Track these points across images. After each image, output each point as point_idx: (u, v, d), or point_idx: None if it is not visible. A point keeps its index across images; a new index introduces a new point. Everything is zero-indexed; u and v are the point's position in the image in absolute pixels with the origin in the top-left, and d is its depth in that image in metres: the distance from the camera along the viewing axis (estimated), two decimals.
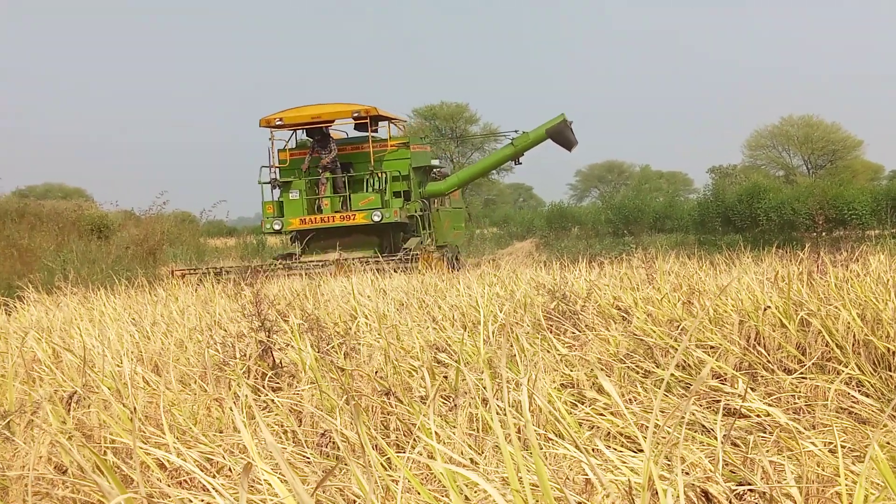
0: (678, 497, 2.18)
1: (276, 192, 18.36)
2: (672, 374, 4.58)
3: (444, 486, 2.73)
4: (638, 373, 4.78)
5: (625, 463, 2.89)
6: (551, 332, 5.67)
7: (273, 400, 4.29)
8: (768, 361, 4.75)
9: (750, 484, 2.74)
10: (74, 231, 23.79)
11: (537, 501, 2.26)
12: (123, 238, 23.77)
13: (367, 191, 18.04)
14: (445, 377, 4.71)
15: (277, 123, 17.98)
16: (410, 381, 4.66)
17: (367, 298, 8.19)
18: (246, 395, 3.97)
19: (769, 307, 5.14)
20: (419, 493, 2.60)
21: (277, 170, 18.36)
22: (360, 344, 5.65)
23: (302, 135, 18.94)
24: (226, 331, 6.38)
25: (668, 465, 2.80)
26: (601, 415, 3.93)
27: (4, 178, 38.32)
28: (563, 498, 2.44)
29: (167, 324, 7.32)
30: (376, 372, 4.82)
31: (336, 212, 17.80)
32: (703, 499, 2.61)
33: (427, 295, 8.38)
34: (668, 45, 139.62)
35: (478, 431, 3.61)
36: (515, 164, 20.36)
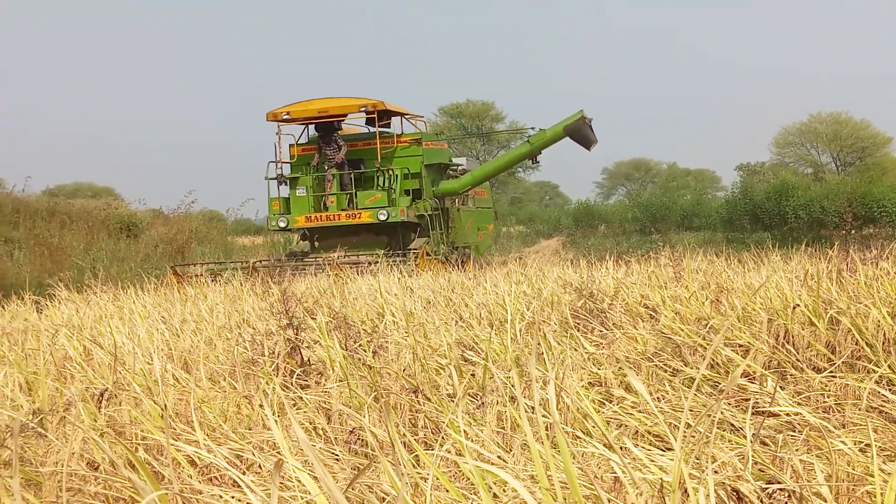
0: (709, 495, 2.18)
1: (285, 188, 17.83)
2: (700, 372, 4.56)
3: (472, 484, 2.74)
4: (666, 371, 4.77)
5: (653, 461, 2.89)
6: (578, 331, 5.66)
7: (301, 397, 4.31)
8: (797, 360, 4.72)
9: (780, 482, 2.73)
10: (104, 229, 23.99)
11: (566, 499, 2.26)
12: (152, 236, 23.95)
13: (376, 188, 17.47)
14: (473, 375, 4.71)
15: (284, 117, 17.50)
16: (438, 379, 4.67)
17: (394, 297, 8.21)
18: (276, 393, 3.99)
19: (798, 305, 5.10)
20: (447, 491, 2.61)
21: (284, 165, 17.88)
22: (387, 342, 5.67)
23: (315, 130, 18.33)
24: (254, 329, 6.41)
25: (697, 463, 2.79)
26: (629, 413, 3.92)
27: (35, 178, 38.50)
28: (593, 496, 2.44)
29: (196, 322, 7.37)
30: (404, 370, 4.84)
31: (342, 210, 17.30)
32: (734, 497, 2.60)
33: (454, 293, 8.39)
34: (698, 41, 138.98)
35: (506, 429, 3.61)
36: (532, 163, 19.58)
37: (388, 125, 18.12)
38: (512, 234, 40.24)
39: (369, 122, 17.76)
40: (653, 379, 4.59)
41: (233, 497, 2.40)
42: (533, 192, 69.62)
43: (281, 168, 17.74)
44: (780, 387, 4.16)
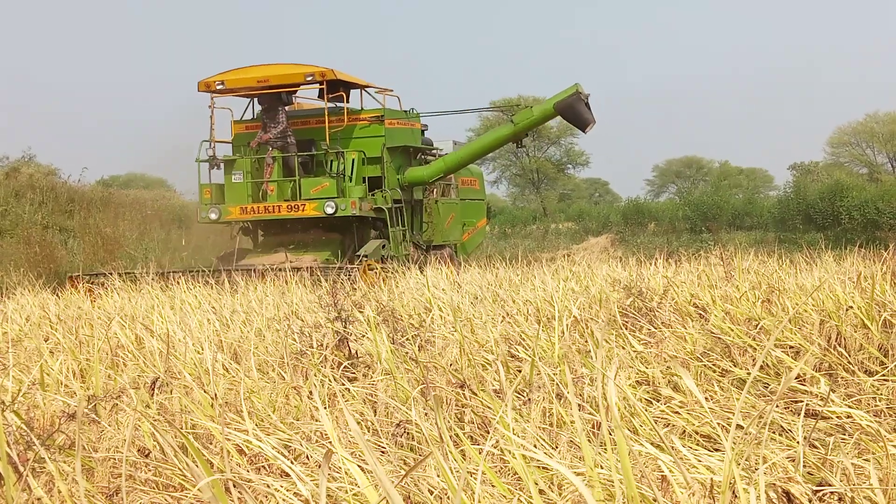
0: (760, 496, 2.16)
1: (220, 173, 14.97)
2: (749, 373, 4.52)
3: (519, 480, 2.74)
4: (715, 371, 4.73)
5: (700, 461, 2.87)
6: (626, 329, 5.64)
7: (349, 389, 4.34)
8: (848, 363, 4.66)
9: (830, 485, 2.70)
10: (156, 220, 24.28)
11: (623, 495, 2.25)
12: (203, 228, 24.17)
13: (329, 175, 14.50)
14: (519, 371, 4.71)
15: (218, 87, 14.65)
16: (484, 375, 4.68)
17: (441, 291, 8.23)
18: (325, 384, 4.02)
19: (851, 307, 5.04)
20: (494, 486, 2.61)
21: (219, 146, 15.02)
22: (434, 336, 5.69)
23: (259, 103, 15.21)
24: (303, 321, 6.46)
25: (747, 464, 2.77)
26: (676, 413, 3.90)
27: (91, 168, 38.96)
28: (641, 495, 2.43)
29: (246, 313, 7.45)
30: (450, 364, 4.85)
31: (285, 200, 14.35)
32: (785, 499, 2.58)
33: (501, 289, 8.39)
34: (756, 39, 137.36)
35: (552, 426, 3.61)
36: (518, 147, 16.79)
37: (341, 98, 15.00)
38: (560, 231, 40.11)
39: (320, 94, 14.86)
40: (701, 379, 4.56)
41: (281, 486, 2.43)
42: (582, 188, 69.26)
43: (213, 148, 14.83)
44: (832, 389, 4.11)
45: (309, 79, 14.37)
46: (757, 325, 5.30)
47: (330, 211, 14.01)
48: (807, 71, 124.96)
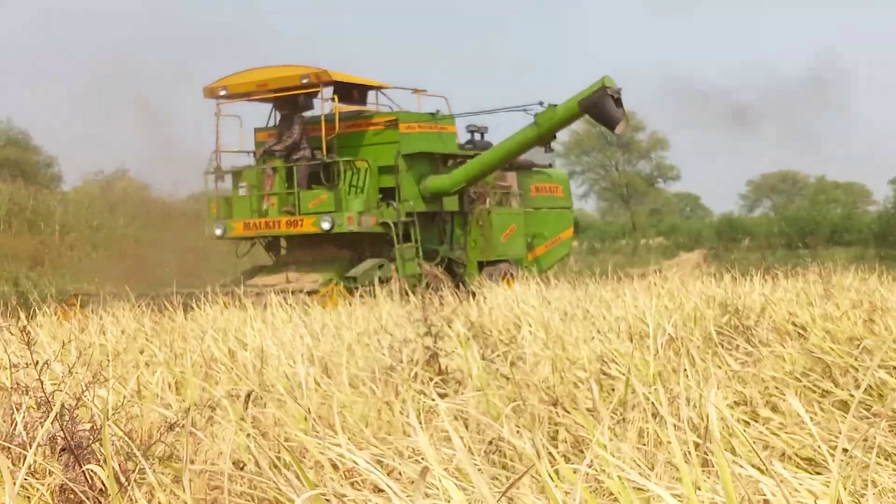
0: None
1: (231, 185, 14.21)
2: (851, 395, 4.39)
3: (614, 501, 2.69)
4: (815, 392, 4.61)
5: (802, 484, 2.78)
6: (722, 348, 5.52)
7: (439, 405, 4.33)
8: None
9: None
10: None
11: None
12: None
13: (343, 185, 13.29)
14: (612, 389, 4.65)
15: (221, 94, 13.69)
16: (576, 392, 4.63)
17: (531, 307, 8.18)
18: (420, 400, 4.02)
19: None
20: None
21: (225, 155, 14.19)
22: (525, 353, 5.65)
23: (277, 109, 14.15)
24: (392, 335, 6.49)
25: (853, 488, 2.67)
26: (775, 434, 3.80)
27: (181, 183, 39.40)
28: None
29: (336, 327, 7.51)
30: (542, 381, 4.81)
31: (286, 215, 13.33)
32: None
33: (591, 305, 8.31)
34: (846, 47, 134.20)
35: (647, 446, 3.54)
36: (546, 150, 14.62)
37: (361, 100, 13.96)
38: (651, 247, 39.68)
39: (310, 96, 13.71)
40: (801, 400, 4.44)
41: (376, 502, 2.43)
42: (673, 203, 68.47)
43: (219, 159, 13.98)
44: None
45: (304, 80, 13.16)
46: (859, 345, 5.15)
47: (326, 226, 12.85)
48: None
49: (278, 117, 14.02)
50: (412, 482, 2.74)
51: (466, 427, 4.09)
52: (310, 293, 10.98)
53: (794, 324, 6.15)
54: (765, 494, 2.62)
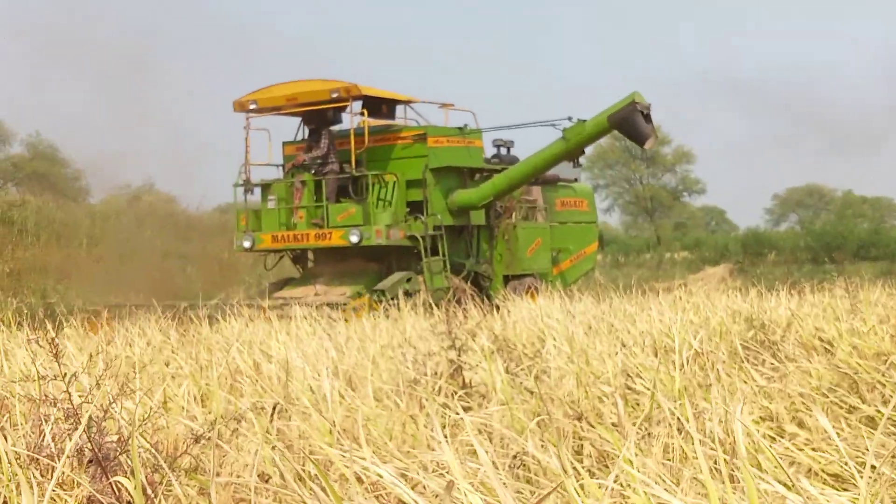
0: None
1: (261, 197, 14.40)
2: (878, 411, 4.36)
3: None
4: (842, 408, 4.57)
5: (829, 501, 2.76)
6: (748, 363, 5.49)
7: (463, 419, 4.32)
8: None
9: None
10: None
11: None
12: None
13: (373, 200, 13.37)
14: (637, 404, 4.63)
15: (252, 108, 13.89)
16: (601, 407, 4.61)
17: (555, 321, 8.17)
18: (444, 413, 4.02)
19: None
20: None
21: (255, 168, 14.41)
22: (549, 367, 5.64)
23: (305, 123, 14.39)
24: (416, 348, 6.49)
25: None
26: (802, 450, 3.77)
27: (207, 195, 39.90)
28: None
29: (360, 340, 7.52)
30: (566, 396, 4.80)
31: (314, 227, 13.48)
32: None
33: (616, 319, 8.28)
34: (880, 58, 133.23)
35: (673, 461, 3.53)
36: (574, 165, 14.66)
37: (389, 113, 14.15)
38: (675, 261, 39.51)
39: (339, 110, 13.93)
40: (828, 416, 4.41)
41: None
42: (698, 216, 68.15)
43: (248, 172, 14.21)
44: None
45: (334, 95, 13.36)
46: (886, 361, 5.11)
47: (354, 240, 12.97)
48: None
49: (307, 131, 14.22)
50: (437, 496, 2.74)
51: (490, 441, 4.09)
52: (341, 307, 11.12)
53: (820, 339, 6.11)
54: None
